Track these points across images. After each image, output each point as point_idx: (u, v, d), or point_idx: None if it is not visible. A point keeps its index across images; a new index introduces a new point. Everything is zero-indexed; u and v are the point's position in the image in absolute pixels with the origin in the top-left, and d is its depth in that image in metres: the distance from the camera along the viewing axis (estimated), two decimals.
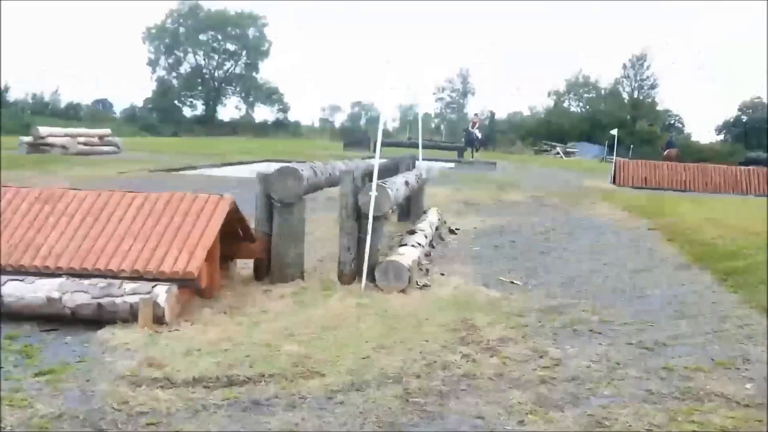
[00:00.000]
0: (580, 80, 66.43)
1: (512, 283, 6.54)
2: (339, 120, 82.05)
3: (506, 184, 18.18)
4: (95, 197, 5.34)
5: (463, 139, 31.08)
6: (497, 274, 6.93)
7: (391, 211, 10.40)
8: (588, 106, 65.16)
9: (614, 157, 22.30)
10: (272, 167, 6.15)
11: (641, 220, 11.51)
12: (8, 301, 4.61)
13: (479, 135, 31.84)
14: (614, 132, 23.24)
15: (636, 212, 12.40)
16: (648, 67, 63.50)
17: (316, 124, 77.17)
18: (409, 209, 9.70)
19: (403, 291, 5.76)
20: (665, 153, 31.69)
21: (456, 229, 9.71)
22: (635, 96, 63.94)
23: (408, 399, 3.66)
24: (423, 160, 11.14)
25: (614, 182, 21.04)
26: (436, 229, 8.88)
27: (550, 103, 66.74)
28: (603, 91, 65.54)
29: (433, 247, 8.15)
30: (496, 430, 3.34)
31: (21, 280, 4.70)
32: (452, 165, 28.52)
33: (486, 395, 3.75)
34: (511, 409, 3.57)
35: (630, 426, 3.41)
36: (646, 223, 11.05)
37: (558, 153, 47.66)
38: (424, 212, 9.59)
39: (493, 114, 64.99)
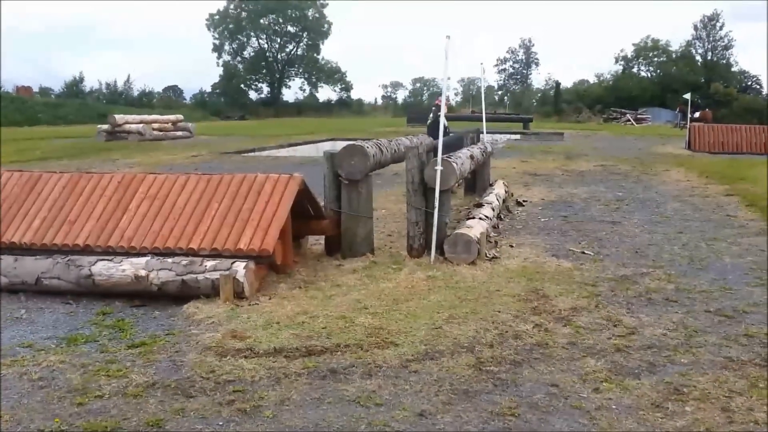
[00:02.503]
0: (648, 44, 63.90)
1: (583, 253, 6.47)
2: (401, 96, 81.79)
3: (574, 153, 17.80)
4: (174, 180, 5.59)
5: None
6: (567, 244, 6.86)
7: (457, 184, 10.45)
8: (659, 70, 62.68)
9: (688, 122, 21.46)
10: (337, 146, 6.28)
11: (718, 186, 11.09)
12: (99, 280, 4.91)
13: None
14: (687, 96, 22.35)
15: (713, 178, 11.95)
16: (721, 27, 60.50)
17: (379, 102, 77.22)
18: (476, 182, 9.67)
19: (472, 263, 5.80)
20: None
21: (524, 200, 9.63)
22: (709, 58, 61.08)
23: (481, 368, 3.72)
24: (488, 132, 11.20)
25: (689, 148, 20.29)
26: (503, 201, 8.84)
27: (618, 68, 64.54)
28: (674, 55, 62.84)
29: (501, 219, 8.13)
30: (571, 397, 3.36)
31: (110, 260, 4.99)
32: (518, 137, 28.11)
33: (560, 363, 3.78)
34: (585, 377, 3.59)
35: (709, 393, 3.37)
36: (724, 189, 10.65)
37: (629, 120, 46.18)
38: (491, 185, 9.55)
39: (558, 83, 63.39)
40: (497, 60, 75.94)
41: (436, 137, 13.23)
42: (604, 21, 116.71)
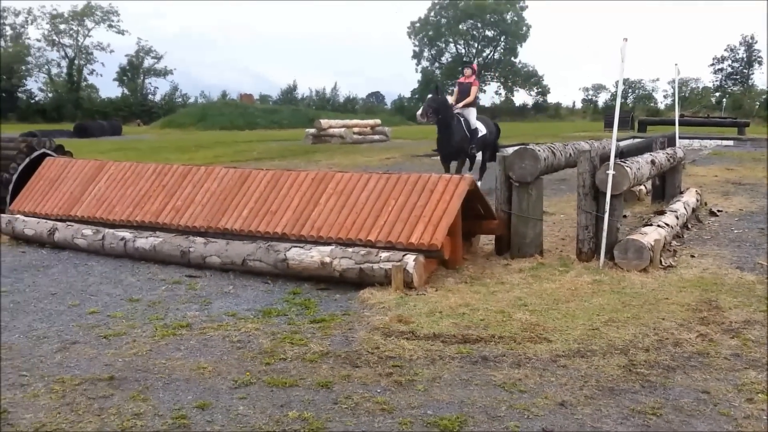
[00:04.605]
0: None
1: None
2: (602, 99, 78.19)
3: None
4: (358, 178, 6.21)
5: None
6: (756, 257, 6.41)
7: (645, 191, 10.05)
8: None
9: None
10: None
11: None
12: (292, 264, 5.64)
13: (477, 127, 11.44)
14: None
15: None
16: None
17: (578, 105, 74.58)
18: (664, 189, 9.26)
19: (643, 270, 5.70)
20: None
21: (718, 210, 9.03)
22: None
23: (632, 369, 3.77)
24: (694, 138, 10.54)
25: None
26: (693, 210, 8.39)
27: None
28: None
29: (688, 228, 7.76)
30: (721, 404, 3.31)
31: (302, 247, 5.70)
32: (730, 143, 25.77)
33: (717, 373, 3.70)
34: (741, 387, 3.49)
35: None
36: None
37: None
38: (680, 192, 9.09)
39: None
40: (713, 59, 69.67)
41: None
42: None
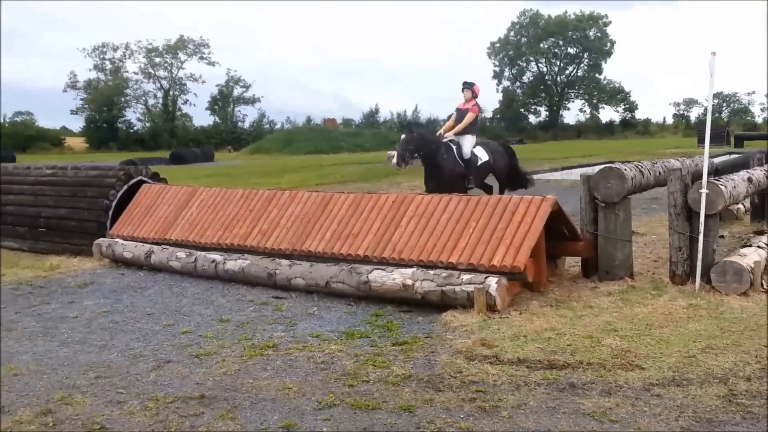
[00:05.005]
0: None
1: None
2: (694, 114, 74.96)
3: None
4: (438, 200, 6.20)
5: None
6: None
7: (744, 210, 9.52)
8: None
9: None
10: None
11: None
12: (374, 286, 5.68)
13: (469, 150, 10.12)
14: None
15: None
16: None
17: (669, 120, 71.84)
18: (764, 208, 8.74)
19: (743, 294, 5.39)
20: None
21: None
22: None
23: (732, 399, 3.55)
24: None
25: None
26: None
27: None
28: None
29: None
30: None
31: (383, 269, 5.74)
32: None
33: None
34: None
35: None
36: None
37: None
38: None
39: None
40: None
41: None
42: None
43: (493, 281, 5.18)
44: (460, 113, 9.78)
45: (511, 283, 5.36)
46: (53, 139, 62.91)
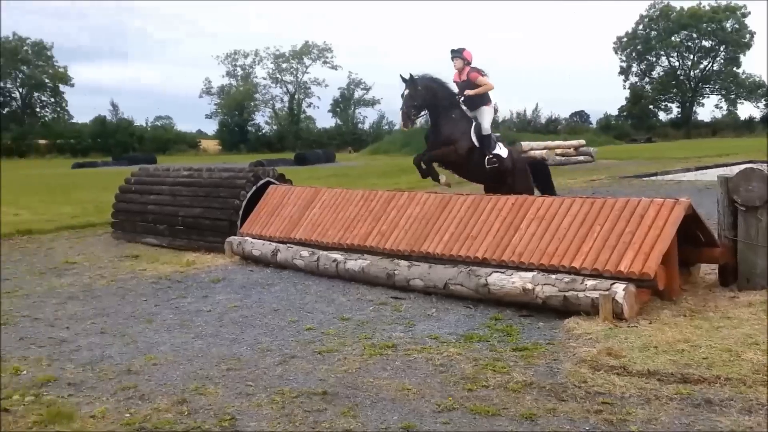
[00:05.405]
0: None
1: None
2: None
3: None
4: (560, 203, 6.01)
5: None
6: None
7: None
8: None
9: None
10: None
11: None
12: (493, 289, 5.59)
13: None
14: None
15: None
16: None
17: None
18: None
19: None
20: None
21: None
22: None
23: None
24: None
25: None
26: None
27: None
28: None
29: None
30: None
31: (502, 272, 5.64)
32: None
33: None
34: None
35: None
36: None
37: None
38: None
39: None
40: None
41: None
42: None
43: (620, 288, 4.95)
44: (461, 86, 8.26)
45: (640, 290, 5.09)
46: (190, 142, 67.49)
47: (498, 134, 8.90)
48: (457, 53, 8.31)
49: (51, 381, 4.21)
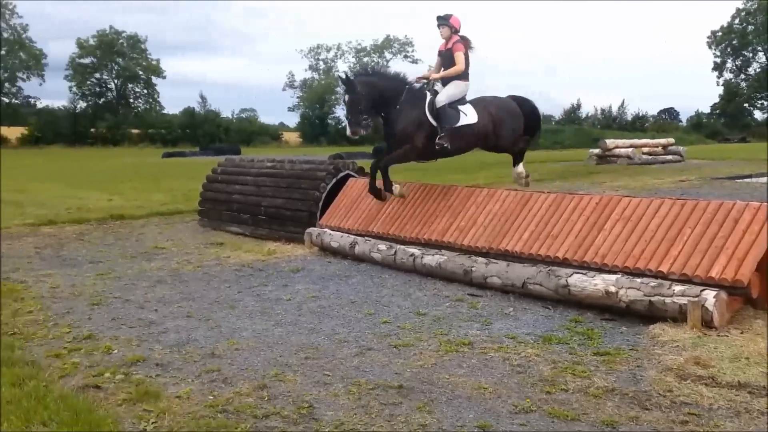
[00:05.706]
0: None
1: None
2: None
3: None
4: (647, 203, 5.79)
5: None
6: None
7: None
8: None
9: None
10: None
11: None
12: (573, 291, 5.46)
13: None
14: None
15: None
16: None
17: None
18: None
19: None
20: None
21: None
22: None
23: None
24: None
25: None
26: None
27: None
28: None
29: None
30: None
31: (584, 274, 5.49)
32: None
33: None
34: None
35: None
36: None
37: None
38: None
39: None
40: None
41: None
42: None
43: (710, 295, 4.72)
44: (445, 56, 7.75)
45: (732, 298, 4.85)
46: (272, 134, 69.17)
47: (493, 96, 8.17)
48: (443, 20, 7.73)
49: (140, 361, 4.42)
